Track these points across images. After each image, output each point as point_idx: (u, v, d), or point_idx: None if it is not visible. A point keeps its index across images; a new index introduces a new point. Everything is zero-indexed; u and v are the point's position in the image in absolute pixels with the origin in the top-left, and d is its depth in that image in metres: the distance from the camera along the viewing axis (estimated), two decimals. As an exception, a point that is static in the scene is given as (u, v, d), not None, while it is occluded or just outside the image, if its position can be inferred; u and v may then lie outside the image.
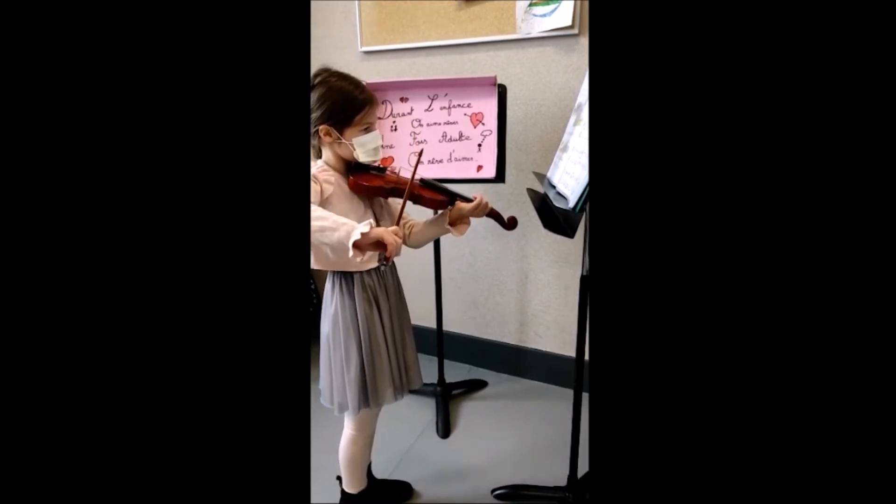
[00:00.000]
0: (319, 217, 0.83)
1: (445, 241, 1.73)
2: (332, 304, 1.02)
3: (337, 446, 1.16)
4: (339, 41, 1.84)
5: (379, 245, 0.83)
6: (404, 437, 1.56)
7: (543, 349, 1.81)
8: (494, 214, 1.10)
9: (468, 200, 1.06)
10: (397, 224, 0.91)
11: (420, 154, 1.06)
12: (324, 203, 0.95)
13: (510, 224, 1.12)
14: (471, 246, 1.83)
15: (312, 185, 0.92)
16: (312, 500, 1.28)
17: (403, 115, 1.49)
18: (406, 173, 1.00)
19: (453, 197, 1.05)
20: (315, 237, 0.84)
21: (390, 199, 1.08)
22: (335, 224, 0.83)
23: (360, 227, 0.81)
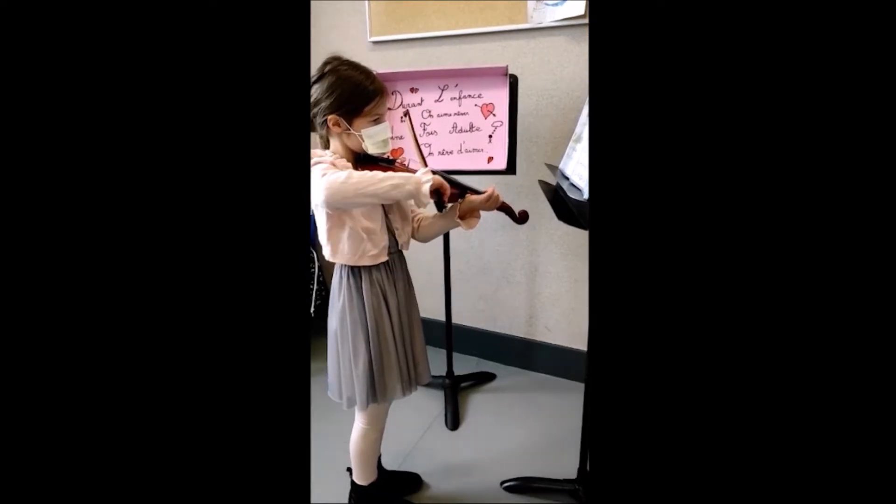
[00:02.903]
0: (386, 177, 0.88)
1: (454, 233, 1.71)
2: (339, 299, 1.02)
3: (346, 438, 1.17)
4: (347, 31, 1.83)
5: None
6: (413, 429, 1.56)
7: (552, 342, 1.80)
8: (506, 208, 1.08)
9: (479, 193, 1.04)
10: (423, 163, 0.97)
11: (410, 125, 1.05)
12: None
13: (521, 218, 1.10)
14: (480, 238, 1.82)
15: (335, 168, 0.91)
16: (323, 491, 1.29)
17: (413, 105, 1.47)
18: (414, 164, 0.99)
19: (464, 190, 1.03)
20: (388, 194, 0.89)
21: None
22: (404, 179, 0.89)
23: (425, 176, 0.91)
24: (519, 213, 1.10)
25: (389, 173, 0.90)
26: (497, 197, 1.03)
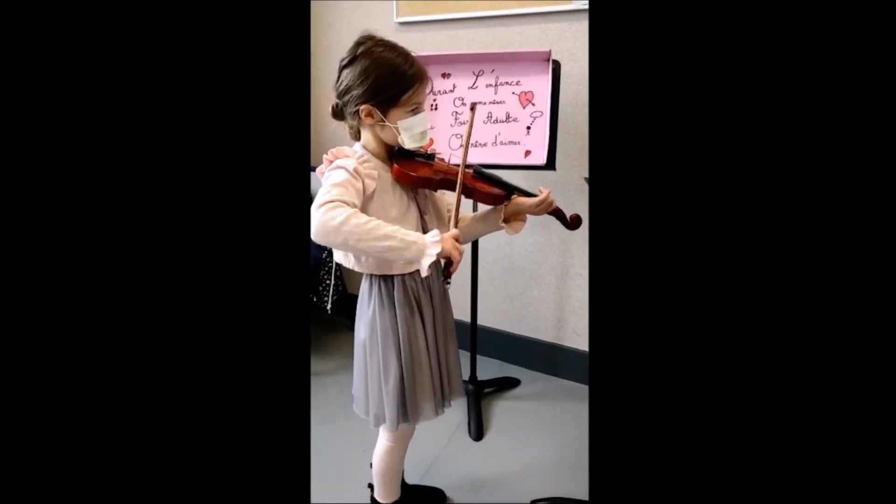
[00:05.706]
0: (384, 236, 0.74)
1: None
2: (369, 308, 0.92)
3: (366, 450, 1.08)
4: (371, 11, 1.71)
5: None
6: (435, 437, 1.47)
7: (582, 348, 1.70)
8: (557, 212, 0.97)
9: (528, 194, 0.93)
10: (454, 226, 0.81)
11: (471, 122, 0.89)
12: (367, 200, 0.83)
13: (573, 223, 0.99)
14: (508, 237, 1.71)
15: (353, 182, 0.79)
16: (341, 507, 1.21)
17: (445, 92, 1.36)
18: (456, 160, 0.88)
19: (511, 190, 0.92)
20: (382, 255, 0.77)
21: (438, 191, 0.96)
22: (404, 243, 0.75)
23: (431, 247, 0.75)
24: (570, 218, 0.99)
25: (392, 228, 0.75)
26: (551, 202, 0.92)
